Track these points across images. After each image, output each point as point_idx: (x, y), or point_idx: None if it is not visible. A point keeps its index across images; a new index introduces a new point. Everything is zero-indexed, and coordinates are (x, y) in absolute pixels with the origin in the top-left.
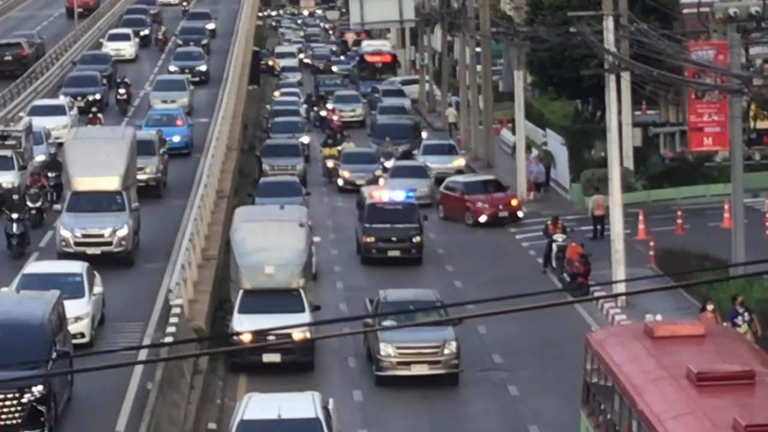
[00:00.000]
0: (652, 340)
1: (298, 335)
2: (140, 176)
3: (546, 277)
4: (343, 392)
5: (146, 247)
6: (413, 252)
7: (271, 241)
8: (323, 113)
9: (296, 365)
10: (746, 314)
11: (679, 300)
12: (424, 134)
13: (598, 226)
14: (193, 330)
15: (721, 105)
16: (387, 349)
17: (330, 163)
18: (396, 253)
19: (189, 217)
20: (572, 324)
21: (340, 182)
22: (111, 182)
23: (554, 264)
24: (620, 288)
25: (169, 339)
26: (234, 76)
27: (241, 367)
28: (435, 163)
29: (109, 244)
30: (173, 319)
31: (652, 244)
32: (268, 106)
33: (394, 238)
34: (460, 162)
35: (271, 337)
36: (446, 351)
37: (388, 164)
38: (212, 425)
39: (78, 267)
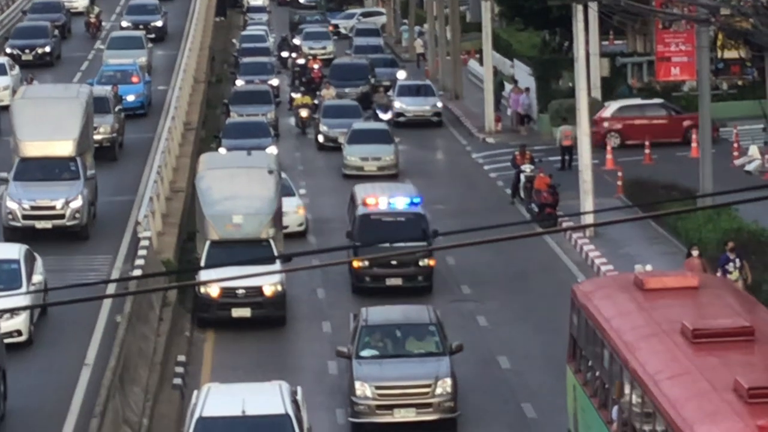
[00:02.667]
0: (642, 293)
1: (269, 289)
2: (94, 137)
3: (514, 208)
4: (318, 360)
5: (114, 181)
6: (420, 279)
7: (239, 189)
8: (301, 61)
9: (267, 320)
10: (737, 260)
11: (647, 230)
12: (401, 74)
13: (566, 157)
14: (161, 263)
15: (689, 35)
16: (364, 390)
17: (303, 113)
18: (397, 282)
19: (157, 150)
20: (540, 254)
21: (320, 138)
22: (64, 147)
23: (522, 194)
24: (588, 218)
25: (137, 272)
26: (201, 7)
27: (209, 323)
28: (410, 105)
29: (62, 217)
30: (142, 252)
31: (620, 174)
32: (235, 41)
33: (394, 262)
34: (437, 103)
35: (241, 291)
36: (439, 391)
37: (385, 117)
38: (181, 357)
39: (14, 252)
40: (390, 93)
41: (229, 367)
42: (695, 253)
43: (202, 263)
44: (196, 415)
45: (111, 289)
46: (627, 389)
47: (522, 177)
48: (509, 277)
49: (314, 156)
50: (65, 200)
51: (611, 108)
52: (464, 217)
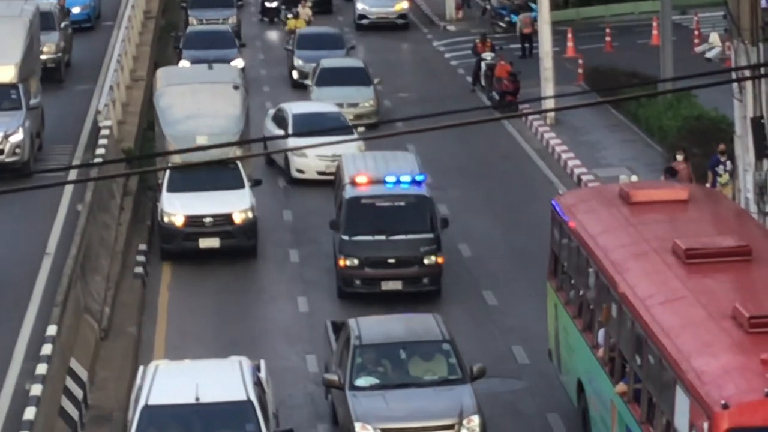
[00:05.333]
0: (629, 207)
1: (239, 216)
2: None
3: (475, 96)
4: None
5: (75, 69)
6: (425, 282)
7: (203, 106)
8: None
9: (237, 250)
10: (728, 163)
11: (607, 117)
12: None
13: (527, 44)
14: (122, 151)
15: None
16: None
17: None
18: (396, 286)
19: (117, 38)
20: (501, 143)
21: (295, 75)
22: (4, 73)
23: (483, 82)
24: (549, 105)
25: (98, 160)
26: None
27: (175, 255)
28: (374, 7)
29: (0, 152)
30: (102, 141)
31: (580, 61)
32: None
33: (391, 260)
34: (403, 5)
35: (208, 220)
36: None
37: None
38: (143, 246)
39: None
40: None
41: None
42: (680, 157)
43: (164, 189)
44: (142, 402)
45: (72, 177)
46: (615, 313)
47: (483, 65)
48: (470, 166)
49: (289, 95)
50: (4, 134)
51: None
52: (426, 105)
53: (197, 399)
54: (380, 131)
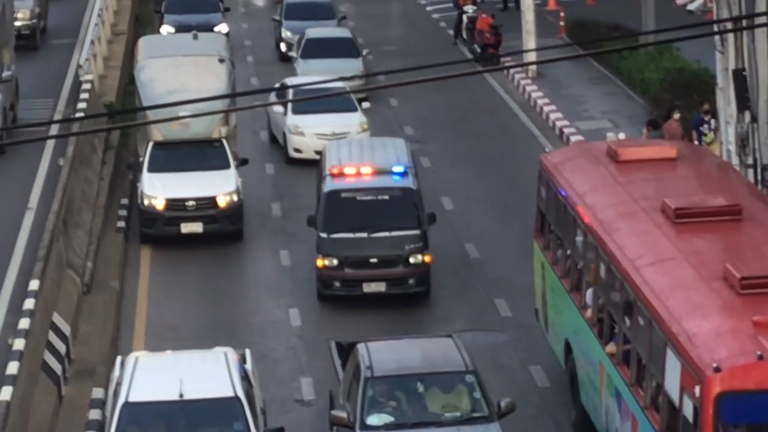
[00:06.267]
0: (617, 165)
1: (224, 200)
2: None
3: (457, 49)
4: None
5: (55, 24)
6: (411, 283)
7: (186, 81)
8: None
9: (221, 235)
10: (713, 121)
11: (589, 70)
12: None
13: None
14: (104, 105)
15: None
16: None
17: None
18: (379, 288)
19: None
20: (483, 96)
21: (282, 47)
22: None
23: (465, 35)
24: (531, 58)
25: (80, 114)
26: None
27: (155, 239)
28: None
29: None
30: (84, 95)
31: (562, 14)
32: None
33: (374, 259)
34: None
35: (190, 203)
36: None
37: None
38: (125, 200)
39: None
40: None
41: None
42: (676, 116)
43: (145, 167)
44: (122, 399)
45: (54, 131)
46: (603, 274)
47: (464, 18)
48: (452, 119)
49: (276, 68)
50: None
51: None
52: (407, 58)
53: (181, 395)
54: (363, 85)
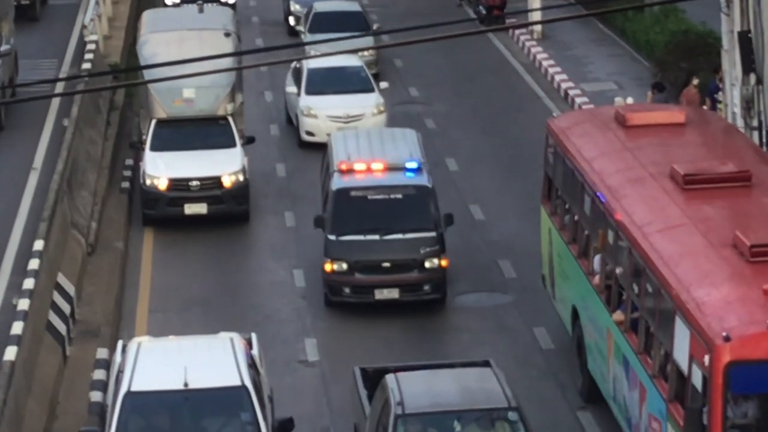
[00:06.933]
0: (625, 130)
1: (229, 179)
2: None
3: (462, 10)
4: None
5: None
6: (426, 289)
7: (190, 56)
8: None
9: (227, 216)
10: None
11: (594, 32)
12: None
13: None
14: (108, 66)
15: None
16: None
17: None
18: (392, 294)
19: None
20: (488, 57)
21: (291, 21)
22: None
23: None
24: (536, 19)
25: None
26: None
27: (157, 221)
28: None
29: None
30: (88, 56)
31: None
32: None
33: (386, 263)
34: None
35: (194, 184)
36: None
37: None
38: (129, 161)
39: None
40: None
41: None
42: (695, 82)
43: (147, 146)
44: (124, 388)
45: (58, 90)
46: (611, 240)
47: None
48: (457, 80)
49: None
50: None
51: None
52: (412, 19)
53: (186, 385)
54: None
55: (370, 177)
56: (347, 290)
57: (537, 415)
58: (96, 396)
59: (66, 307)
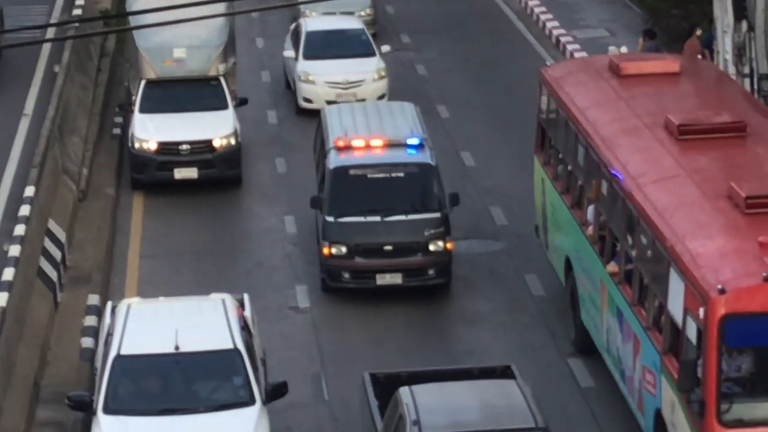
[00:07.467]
0: (619, 79)
1: (220, 143)
2: None
3: None
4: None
5: None
6: (431, 274)
7: (180, 14)
8: None
9: (218, 181)
10: None
11: None
12: None
13: None
14: (99, 12)
15: None
16: None
17: None
18: (395, 279)
19: None
20: (479, 3)
21: None
22: None
23: None
24: None
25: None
26: None
27: (146, 185)
28: None
29: None
30: (79, 2)
31: None
32: None
33: (388, 247)
34: None
35: (184, 147)
36: None
37: None
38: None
39: None
40: None
41: None
42: (698, 32)
43: (136, 108)
44: (113, 352)
45: (50, 37)
46: (605, 191)
47: None
48: (448, 27)
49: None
50: None
51: None
52: None
53: (177, 348)
54: None
55: (370, 154)
56: (347, 275)
57: (528, 362)
58: (87, 342)
59: (57, 254)
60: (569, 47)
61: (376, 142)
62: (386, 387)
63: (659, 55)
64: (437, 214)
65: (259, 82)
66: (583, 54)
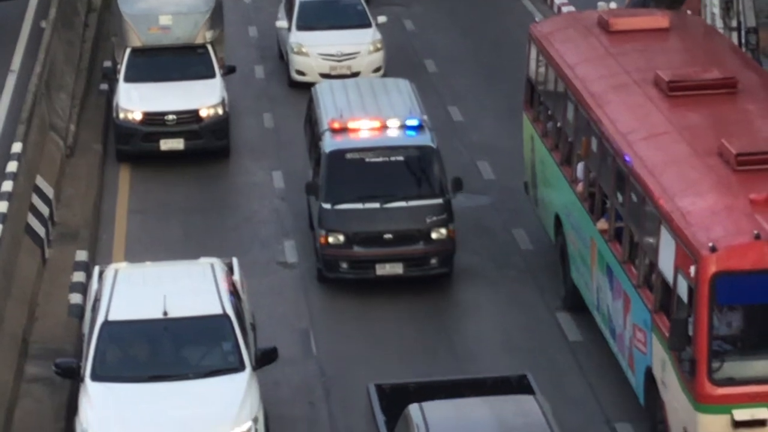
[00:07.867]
0: (608, 36)
1: (207, 113)
2: None
3: None
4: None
5: None
6: (433, 263)
7: None
8: None
9: (205, 152)
10: None
11: None
12: None
13: None
14: None
15: None
16: None
17: None
18: (395, 269)
19: None
20: None
21: None
22: None
23: None
24: None
25: None
26: None
27: (132, 157)
28: None
29: None
30: None
31: None
32: None
33: (388, 235)
34: None
35: (170, 117)
36: None
37: None
38: (107, 63)
39: None
40: None
41: None
42: None
43: (121, 77)
44: (101, 318)
45: None
46: (595, 147)
47: None
48: None
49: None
50: None
51: None
52: None
53: (165, 313)
54: None
55: (367, 137)
56: (345, 265)
57: (516, 316)
58: (75, 298)
59: (45, 210)
60: (557, 1)
61: (373, 124)
62: (392, 399)
63: (648, 10)
64: (439, 200)
65: (246, 37)
66: (571, 8)
